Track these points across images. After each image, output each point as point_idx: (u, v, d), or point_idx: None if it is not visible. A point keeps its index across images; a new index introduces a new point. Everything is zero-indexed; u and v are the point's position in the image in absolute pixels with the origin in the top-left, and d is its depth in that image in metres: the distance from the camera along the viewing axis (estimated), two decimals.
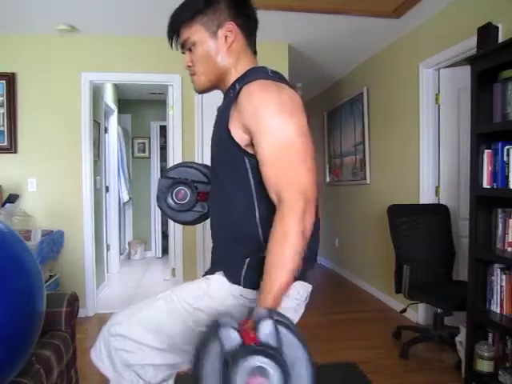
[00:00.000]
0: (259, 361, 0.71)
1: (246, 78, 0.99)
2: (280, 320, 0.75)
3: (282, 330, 0.73)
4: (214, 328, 0.75)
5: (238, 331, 0.73)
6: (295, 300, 1.01)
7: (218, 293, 1.00)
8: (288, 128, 0.91)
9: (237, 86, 1.01)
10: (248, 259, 0.98)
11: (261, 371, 0.70)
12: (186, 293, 1.04)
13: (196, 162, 1.37)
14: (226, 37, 1.04)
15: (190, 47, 1.07)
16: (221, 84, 1.10)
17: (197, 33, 1.04)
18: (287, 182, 0.88)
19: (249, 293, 0.98)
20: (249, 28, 1.09)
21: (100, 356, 1.06)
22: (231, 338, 0.72)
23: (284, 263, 0.84)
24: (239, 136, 0.96)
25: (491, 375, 2.07)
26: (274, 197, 0.91)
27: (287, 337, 0.73)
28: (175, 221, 1.34)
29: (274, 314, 0.76)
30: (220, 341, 0.73)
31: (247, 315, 0.93)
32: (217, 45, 1.05)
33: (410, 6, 2.88)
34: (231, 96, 1.01)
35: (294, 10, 2.89)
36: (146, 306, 1.06)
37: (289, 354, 0.73)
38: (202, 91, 1.13)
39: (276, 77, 1.00)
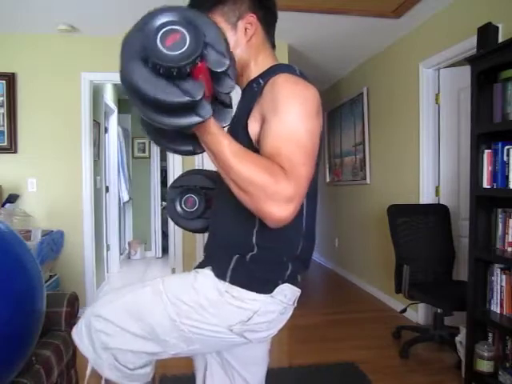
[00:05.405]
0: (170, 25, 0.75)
1: (272, 73, 0.96)
2: None
3: None
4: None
5: None
6: (281, 303, 0.99)
7: (204, 287, 0.98)
8: (303, 125, 0.87)
9: (261, 81, 0.98)
10: (237, 256, 0.97)
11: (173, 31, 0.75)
12: (172, 283, 1.02)
13: (202, 168, 1.32)
14: (245, 29, 1.02)
15: None
16: (239, 78, 1.07)
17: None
18: (287, 165, 0.83)
19: (235, 291, 0.95)
20: (269, 21, 1.07)
21: (81, 335, 1.03)
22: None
23: (239, 164, 0.82)
24: (254, 131, 0.92)
25: (491, 375, 2.07)
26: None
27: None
28: (187, 229, 1.31)
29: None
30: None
31: None
32: (236, 37, 1.01)
33: (410, 6, 2.88)
34: (255, 90, 0.97)
35: (294, 9, 2.88)
36: (133, 290, 1.04)
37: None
38: None
39: (303, 76, 0.98)
